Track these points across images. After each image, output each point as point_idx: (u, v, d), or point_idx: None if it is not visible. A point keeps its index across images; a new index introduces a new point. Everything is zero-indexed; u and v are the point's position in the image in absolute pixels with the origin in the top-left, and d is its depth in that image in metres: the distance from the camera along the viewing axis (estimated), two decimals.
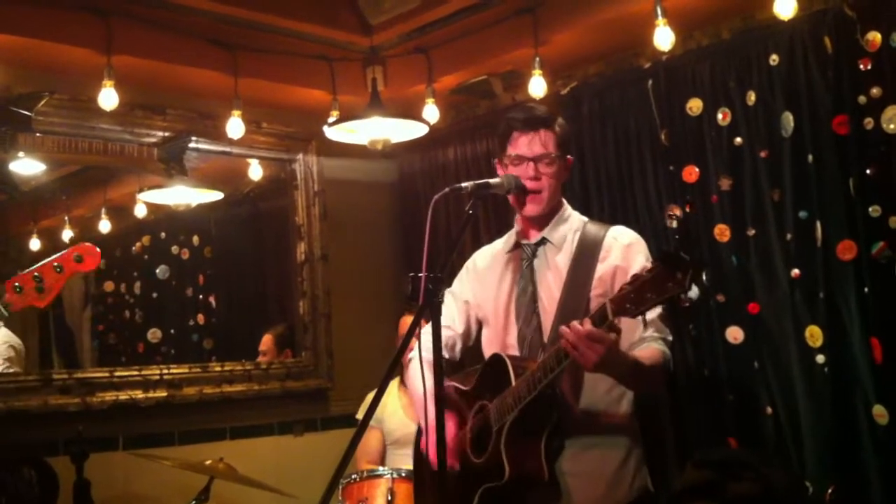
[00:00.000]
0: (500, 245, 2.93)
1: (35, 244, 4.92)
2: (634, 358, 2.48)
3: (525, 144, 2.70)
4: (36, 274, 2.52)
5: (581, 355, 2.29)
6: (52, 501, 3.53)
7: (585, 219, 2.80)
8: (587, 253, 2.68)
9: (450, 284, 3.00)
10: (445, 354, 2.89)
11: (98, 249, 2.63)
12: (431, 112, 4.19)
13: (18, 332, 4.18)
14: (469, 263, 3.01)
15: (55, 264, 2.54)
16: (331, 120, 4.08)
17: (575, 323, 2.30)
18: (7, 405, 3.60)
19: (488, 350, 2.84)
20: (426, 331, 2.89)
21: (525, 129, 2.70)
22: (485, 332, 2.91)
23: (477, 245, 4.37)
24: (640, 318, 2.21)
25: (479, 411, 2.66)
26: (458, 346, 2.95)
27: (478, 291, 2.91)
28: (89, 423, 3.13)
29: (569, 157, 2.77)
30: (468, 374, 2.81)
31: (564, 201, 2.83)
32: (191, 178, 4.36)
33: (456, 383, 2.81)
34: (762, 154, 3.47)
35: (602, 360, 2.29)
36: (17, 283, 2.49)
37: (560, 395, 2.56)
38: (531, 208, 2.73)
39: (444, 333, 2.90)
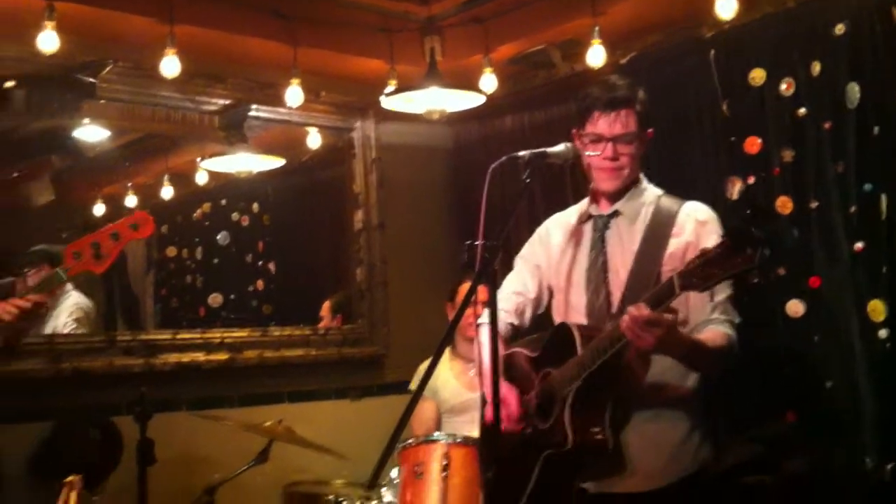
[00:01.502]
0: (574, 213, 2.91)
1: (99, 210, 5.03)
2: (695, 340, 2.48)
3: (605, 125, 2.66)
4: (94, 241, 2.62)
5: (638, 338, 2.30)
6: (116, 460, 3.64)
7: (660, 192, 2.77)
8: (660, 227, 2.65)
9: (506, 253, 3.00)
10: (514, 321, 2.90)
11: (152, 217, 2.73)
12: (489, 82, 4.18)
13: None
14: (541, 230, 2.99)
15: (112, 232, 2.65)
16: (388, 90, 4.10)
17: (632, 307, 2.30)
18: (73, 366, 3.71)
19: (557, 318, 2.84)
20: (500, 297, 2.91)
21: (606, 110, 2.66)
22: (554, 300, 2.91)
23: (532, 215, 4.39)
24: (708, 299, 2.20)
25: (544, 378, 2.67)
26: (528, 313, 2.95)
27: (549, 259, 2.90)
28: (152, 385, 3.20)
29: (649, 131, 2.74)
30: (535, 341, 2.81)
31: (642, 175, 2.80)
32: (251, 147, 4.42)
33: (523, 349, 2.82)
34: (826, 125, 3.41)
35: (659, 343, 2.30)
36: (75, 250, 2.60)
37: (626, 367, 2.55)
38: (608, 184, 2.71)
39: (514, 300, 2.92)
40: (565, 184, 4.24)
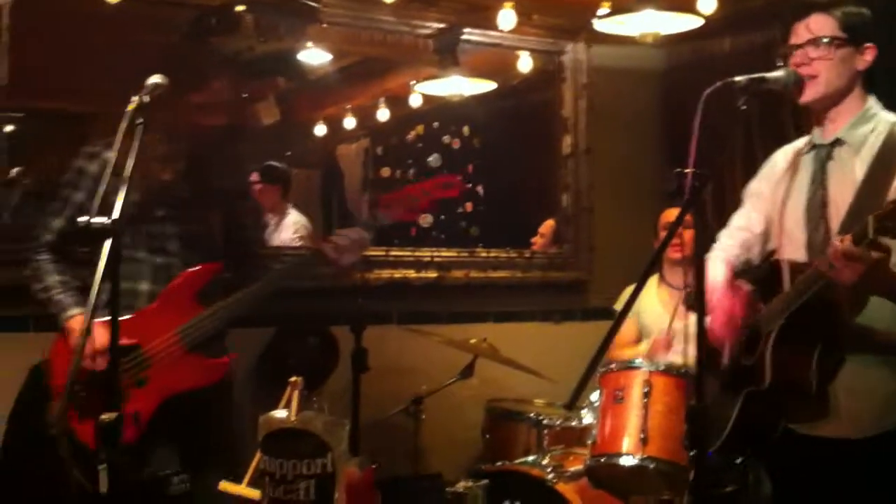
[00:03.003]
0: (800, 144, 2.79)
1: (320, 130, 5.28)
2: None
3: (798, 31, 2.54)
4: (409, 195, 2.96)
5: (837, 273, 2.19)
6: (333, 366, 3.88)
7: (894, 118, 2.57)
8: (889, 157, 2.48)
9: (716, 183, 2.93)
10: (741, 255, 2.85)
11: (460, 180, 3.09)
12: (707, 2, 4.02)
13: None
14: (769, 162, 2.89)
15: (424, 189, 2.97)
16: (601, 12, 4.02)
17: (835, 239, 2.20)
18: None
19: (778, 254, 2.76)
20: (725, 233, 2.87)
21: (799, 17, 2.55)
22: (778, 237, 2.82)
23: (748, 145, 4.23)
24: None
25: (753, 314, 2.62)
26: (756, 248, 2.87)
27: (774, 192, 2.81)
28: (367, 298, 3.38)
29: (866, 45, 2.56)
30: (749, 275, 2.75)
31: (871, 98, 2.62)
32: (463, 70, 4.48)
33: (744, 283, 2.76)
34: None
35: (861, 280, 2.18)
36: (389, 202, 2.96)
37: (835, 307, 2.45)
38: (805, 94, 2.58)
39: (740, 235, 2.85)
40: (785, 112, 4.05)
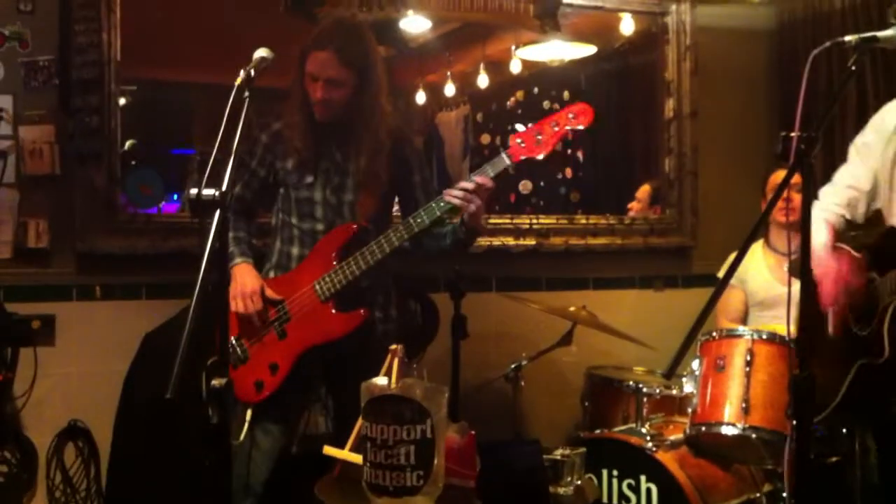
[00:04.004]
0: None
1: (421, 97, 5.31)
2: None
3: None
4: (536, 130, 2.88)
5: None
6: (433, 331, 3.94)
7: None
8: None
9: (826, 145, 2.84)
10: (847, 214, 2.77)
11: (591, 108, 2.90)
12: None
13: None
14: (877, 117, 2.79)
15: (552, 121, 2.88)
16: None
17: None
18: None
19: (888, 216, 2.67)
20: (828, 190, 2.78)
21: None
22: (884, 195, 2.72)
23: (862, 106, 4.08)
24: None
25: (869, 282, 2.54)
26: (862, 207, 2.79)
27: (885, 148, 2.71)
28: (466, 264, 3.40)
29: None
30: (855, 240, 2.67)
31: None
32: (564, 34, 4.43)
33: (850, 249, 2.69)
34: None
35: None
36: (519, 139, 2.88)
37: None
38: None
39: (846, 193, 2.78)
40: None
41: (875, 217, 2.80)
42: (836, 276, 2.53)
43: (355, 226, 2.96)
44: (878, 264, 2.49)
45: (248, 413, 2.91)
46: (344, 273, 2.89)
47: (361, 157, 2.94)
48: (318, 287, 2.91)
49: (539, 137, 2.85)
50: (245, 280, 2.92)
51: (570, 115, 2.87)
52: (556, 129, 2.86)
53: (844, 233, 2.76)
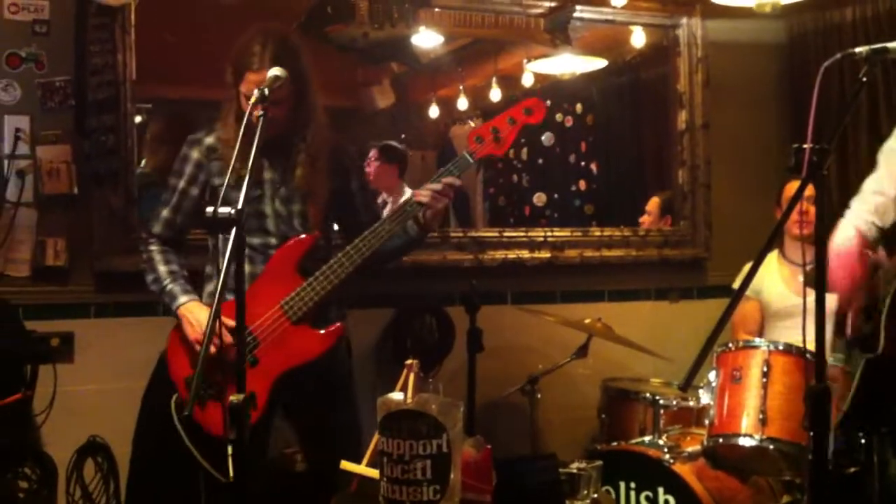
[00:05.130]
0: None
1: (434, 112, 5.34)
2: None
3: None
4: (493, 126, 2.90)
5: None
6: (449, 344, 3.95)
7: None
8: None
9: (840, 157, 2.84)
10: (878, 221, 2.76)
11: (545, 103, 2.95)
12: None
13: None
14: None
15: (508, 117, 2.90)
16: None
17: None
18: (411, 259, 4.00)
19: None
20: (857, 198, 2.78)
21: None
22: None
23: (874, 115, 4.07)
24: None
25: (874, 270, 2.54)
26: (891, 214, 2.78)
27: None
28: (481, 278, 3.40)
29: None
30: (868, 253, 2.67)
31: None
32: (575, 48, 4.45)
33: (868, 251, 2.68)
34: None
35: None
36: (478, 135, 2.90)
37: None
38: None
39: (873, 200, 2.77)
40: None
41: None
42: (850, 273, 2.52)
43: (314, 235, 2.87)
44: (888, 245, 2.49)
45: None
46: (315, 290, 2.79)
47: (303, 167, 2.87)
48: (286, 308, 2.79)
49: (498, 135, 2.90)
50: (200, 319, 2.79)
51: (524, 111, 2.92)
52: (514, 125, 2.91)
53: (876, 240, 2.75)
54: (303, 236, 2.87)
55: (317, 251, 2.89)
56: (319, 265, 2.82)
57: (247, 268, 2.65)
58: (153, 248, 2.95)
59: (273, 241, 2.88)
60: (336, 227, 3.13)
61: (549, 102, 5.07)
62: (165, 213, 2.95)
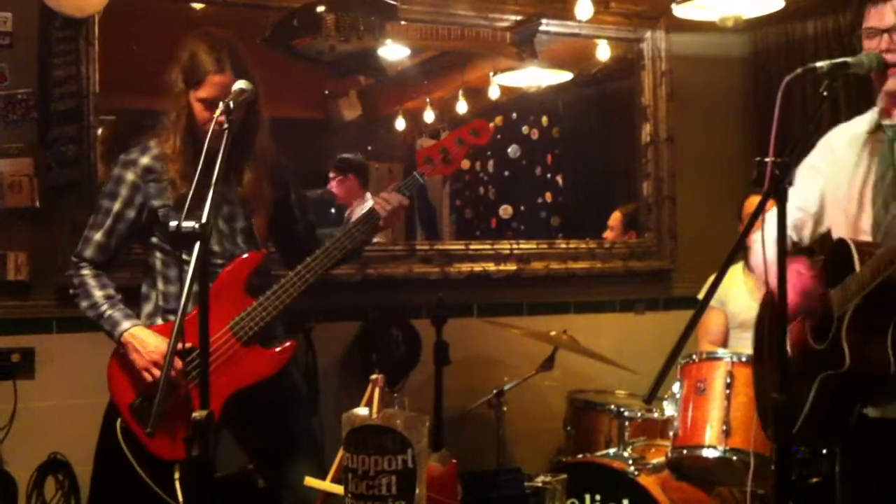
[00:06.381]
0: (861, 124, 2.73)
1: (401, 124, 5.35)
2: None
3: (876, 16, 2.48)
4: (442, 147, 2.98)
5: None
6: (415, 358, 3.95)
7: None
8: None
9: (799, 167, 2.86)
10: (794, 236, 2.80)
11: (491, 125, 3.06)
12: None
13: None
14: (825, 140, 2.84)
15: (456, 138, 2.98)
16: None
17: None
18: (378, 272, 4.02)
19: (836, 235, 2.71)
20: (771, 214, 2.81)
21: (876, 2, 2.48)
22: (836, 216, 2.77)
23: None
24: None
25: (821, 298, 2.57)
26: (808, 229, 2.82)
27: (833, 172, 2.76)
28: (447, 291, 3.40)
29: None
30: (814, 263, 2.71)
31: None
32: (541, 61, 4.47)
33: (802, 269, 2.72)
34: None
35: None
36: (427, 156, 2.97)
37: None
38: (892, 82, 2.52)
39: (794, 215, 2.80)
40: (874, 96, 3.93)
41: (822, 239, 2.82)
42: (795, 282, 2.55)
43: (262, 253, 2.84)
44: (829, 277, 2.52)
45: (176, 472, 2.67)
46: (266, 309, 2.74)
47: (250, 174, 2.82)
48: (235, 329, 2.74)
49: (448, 156, 2.98)
50: (147, 344, 2.71)
51: (472, 132, 3.01)
52: (462, 145, 3.00)
53: (792, 254, 2.79)
54: (246, 255, 2.82)
55: (266, 266, 2.88)
56: (263, 281, 2.80)
57: (194, 287, 2.55)
58: (85, 272, 2.84)
59: (219, 260, 2.80)
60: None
61: (515, 115, 5.12)
62: (98, 236, 2.84)
